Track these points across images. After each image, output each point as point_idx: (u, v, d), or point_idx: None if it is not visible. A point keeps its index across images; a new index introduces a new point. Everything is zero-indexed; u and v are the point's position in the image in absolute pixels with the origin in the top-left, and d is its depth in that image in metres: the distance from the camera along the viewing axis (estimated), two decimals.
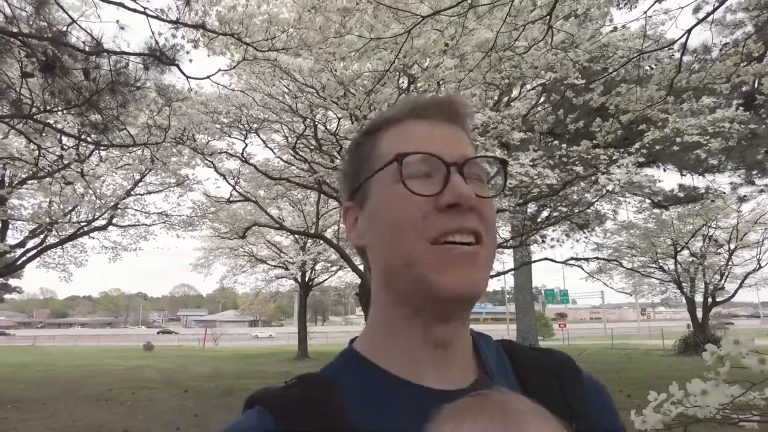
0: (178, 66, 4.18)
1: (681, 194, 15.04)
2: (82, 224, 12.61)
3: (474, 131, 6.19)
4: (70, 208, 11.58)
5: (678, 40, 4.14)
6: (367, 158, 0.65)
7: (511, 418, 0.49)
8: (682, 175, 12.18)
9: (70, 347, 38.27)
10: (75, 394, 11.37)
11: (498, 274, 15.75)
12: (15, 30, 4.09)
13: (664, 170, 12.01)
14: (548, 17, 3.41)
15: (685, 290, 20.32)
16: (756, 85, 5.56)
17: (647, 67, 7.19)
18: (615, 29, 6.90)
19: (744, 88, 6.71)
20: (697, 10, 7.24)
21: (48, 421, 8.27)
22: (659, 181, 13.50)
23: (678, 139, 7.37)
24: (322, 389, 0.59)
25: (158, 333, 64.78)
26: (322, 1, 4.80)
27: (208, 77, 4.74)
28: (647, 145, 7.54)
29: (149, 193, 13.84)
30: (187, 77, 4.32)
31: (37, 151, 6.70)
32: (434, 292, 0.56)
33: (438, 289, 0.56)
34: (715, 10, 3.57)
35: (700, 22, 3.90)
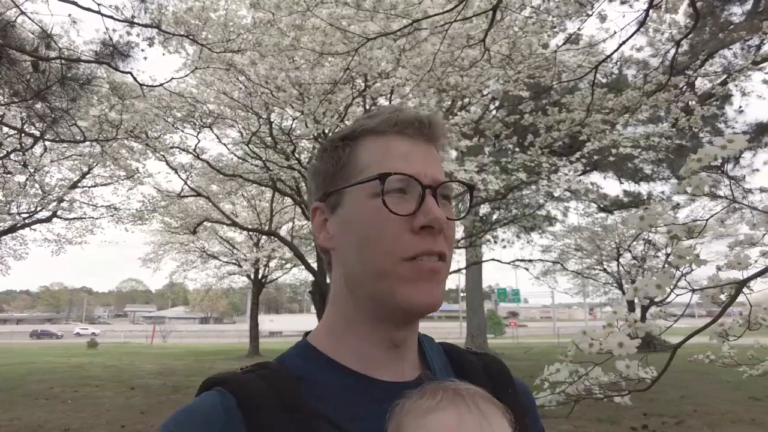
0: (131, 74, 4.20)
1: (626, 199, 15.91)
2: (24, 216, 12.11)
3: None
4: (11, 199, 11.11)
5: (586, 75, 4.61)
6: (345, 164, 0.66)
7: (464, 394, 0.56)
8: (620, 182, 12.97)
9: (5, 344, 36.37)
10: (12, 393, 10.93)
11: (450, 272, 16.14)
12: None
13: (605, 178, 12.75)
14: (483, 42, 3.72)
15: (625, 291, 21.48)
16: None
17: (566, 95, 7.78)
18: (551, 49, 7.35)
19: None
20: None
21: None
22: (601, 188, 14.30)
23: (614, 150, 7.94)
24: (281, 375, 0.60)
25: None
26: (278, 20, 4.94)
27: (162, 85, 4.77)
28: (586, 155, 8.07)
29: (97, 185, 13.45)
30: (142, 86, 4.35)
31: None
32: (402, 304, 0.60)
33: (405, 302, 0.60)
34: (615, 51, 4.02)
35: (603, 61, 4.34)
